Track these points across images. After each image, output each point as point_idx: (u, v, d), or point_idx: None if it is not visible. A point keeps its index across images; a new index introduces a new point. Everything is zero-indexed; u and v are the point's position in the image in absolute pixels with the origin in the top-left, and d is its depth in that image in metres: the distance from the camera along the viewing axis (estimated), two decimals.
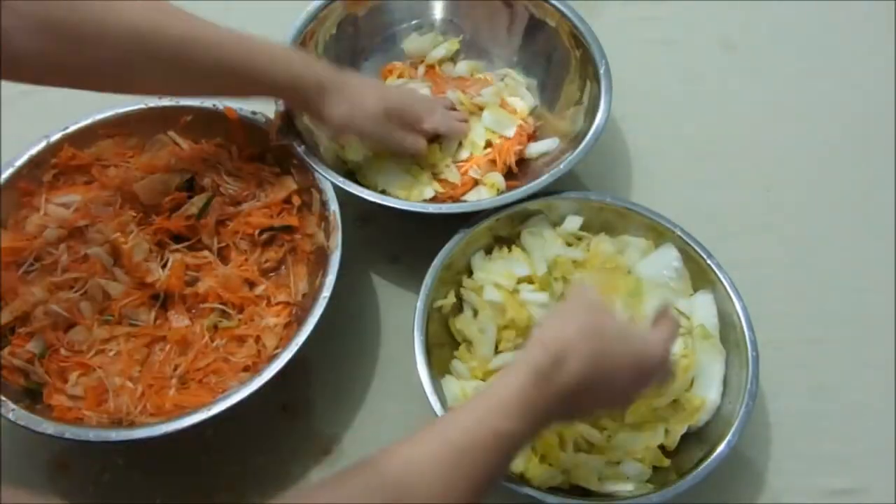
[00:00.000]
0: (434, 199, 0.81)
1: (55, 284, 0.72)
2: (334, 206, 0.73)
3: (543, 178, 0.75)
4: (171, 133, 0.79)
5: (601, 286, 0.65)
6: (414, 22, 0.92)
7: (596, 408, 0.60)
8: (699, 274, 0.73)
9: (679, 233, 0.74)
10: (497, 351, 0.72)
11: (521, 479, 0.65)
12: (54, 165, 0.76)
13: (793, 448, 0.74)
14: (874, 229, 0.86)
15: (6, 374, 0.68)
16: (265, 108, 0.78)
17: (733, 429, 0.64)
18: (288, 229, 0.78)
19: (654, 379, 0.58)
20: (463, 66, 0.91)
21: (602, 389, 0.54)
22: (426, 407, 0.66)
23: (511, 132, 0.84)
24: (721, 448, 0.64)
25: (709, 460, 0.63)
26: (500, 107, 0.86)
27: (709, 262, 0.72)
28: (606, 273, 0.72)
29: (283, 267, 0.78)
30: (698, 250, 0.73)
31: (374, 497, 0.47)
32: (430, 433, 0.51)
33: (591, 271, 0.73)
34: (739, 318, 0.69)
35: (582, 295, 0.57)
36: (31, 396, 0.68)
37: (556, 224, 0.77)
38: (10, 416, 0.64)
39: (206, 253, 0.77)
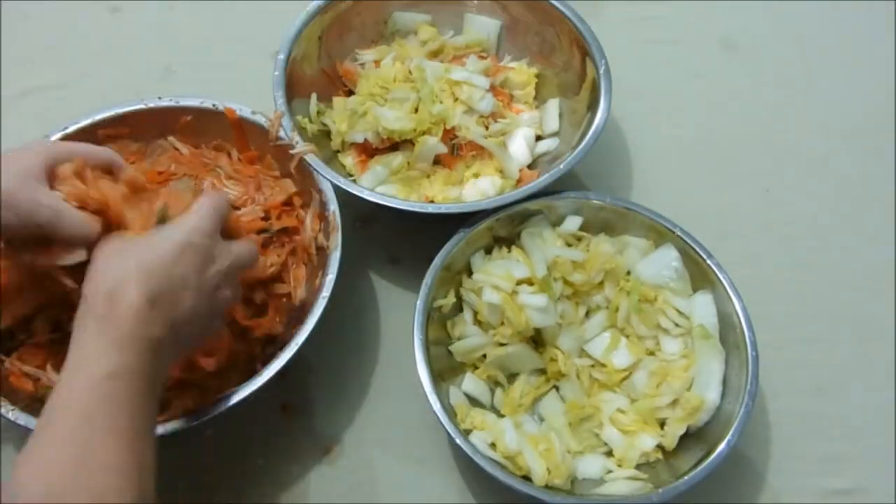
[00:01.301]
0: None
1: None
2: (334, 207, 0.73)
3: (543, 177, 0.75)
4: (172, 138, 0.79)
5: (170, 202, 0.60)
6: None
7: (197, 316, 0.55)
8: (699, 274, 0.73)
9: (679, 233, 0.74)
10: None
11: (523, 478, 0.65)
12: None
13: (793, 448, 0.74)
14: (874, 229, 0.86)
15: (13, 379, 0.68)
16: (265, 108, 0.78)
17: (733, 429, 0.64)
18: (287, 230, 0.78)
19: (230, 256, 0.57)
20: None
21: (184, 295, 0.53)
22: (426, 407, 0.66)
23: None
24: (721, 448, 0.64)
25: (708, 460, 0.63)
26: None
27: (709, 262, 0.72)
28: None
29: (285, 271, 0.77)
30: (698, 250, 0.73)
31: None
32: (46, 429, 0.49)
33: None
34: (739, 318, 0.69)
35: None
36: (42, 402, 0.67)
37: (555, 224, 0.77)
38: (10, 415, 0.64)
39: None
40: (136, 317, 0.50)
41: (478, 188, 0.81)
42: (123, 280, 0.51)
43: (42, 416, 0.49)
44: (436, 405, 0.65)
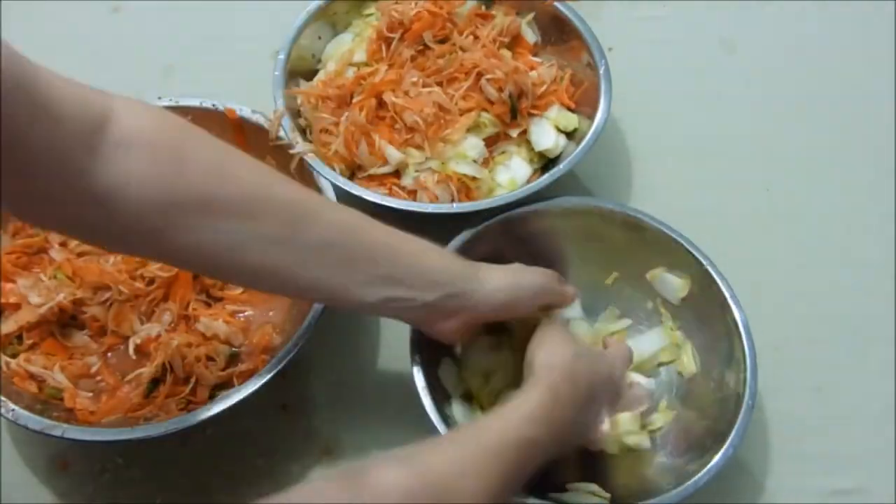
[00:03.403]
0: None
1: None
2: None
3: (543, 178, 0.75)
4: None
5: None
6: None
7: (588, 421, 0.63)
8: (698, 276, 0.73)
9: (678, 236, 0.73)
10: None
11: None
12: None
13: (793, 448, 0.74)
14: (874, 229, 0.86)
15: (17, 381, 0.68)
16: (265, 108, 0.78)
17: (734, 433, 0.64)
18: None
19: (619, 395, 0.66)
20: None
21: (593, 403, 0.62)
22: (425, 407, 0.66)
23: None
24: (722, 452, 0.63)
25: (709, 465, 0.62)
26: None
27: (708, 263, 0.72)
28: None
29: None
30: (698, 251, 0.72)
31: (417, 497, 0.46)
32: (462, 437, 0.55)
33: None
34: (738, 321, 0.69)
35: (552, 327, 0.64)
36: (45, 403, 0.68)
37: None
38: (10, 415, 0.64)
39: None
40: (574, 412, 0.58)
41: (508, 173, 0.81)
42: (580, 372, 0.60)
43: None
44: (430, 408, 0.65)
